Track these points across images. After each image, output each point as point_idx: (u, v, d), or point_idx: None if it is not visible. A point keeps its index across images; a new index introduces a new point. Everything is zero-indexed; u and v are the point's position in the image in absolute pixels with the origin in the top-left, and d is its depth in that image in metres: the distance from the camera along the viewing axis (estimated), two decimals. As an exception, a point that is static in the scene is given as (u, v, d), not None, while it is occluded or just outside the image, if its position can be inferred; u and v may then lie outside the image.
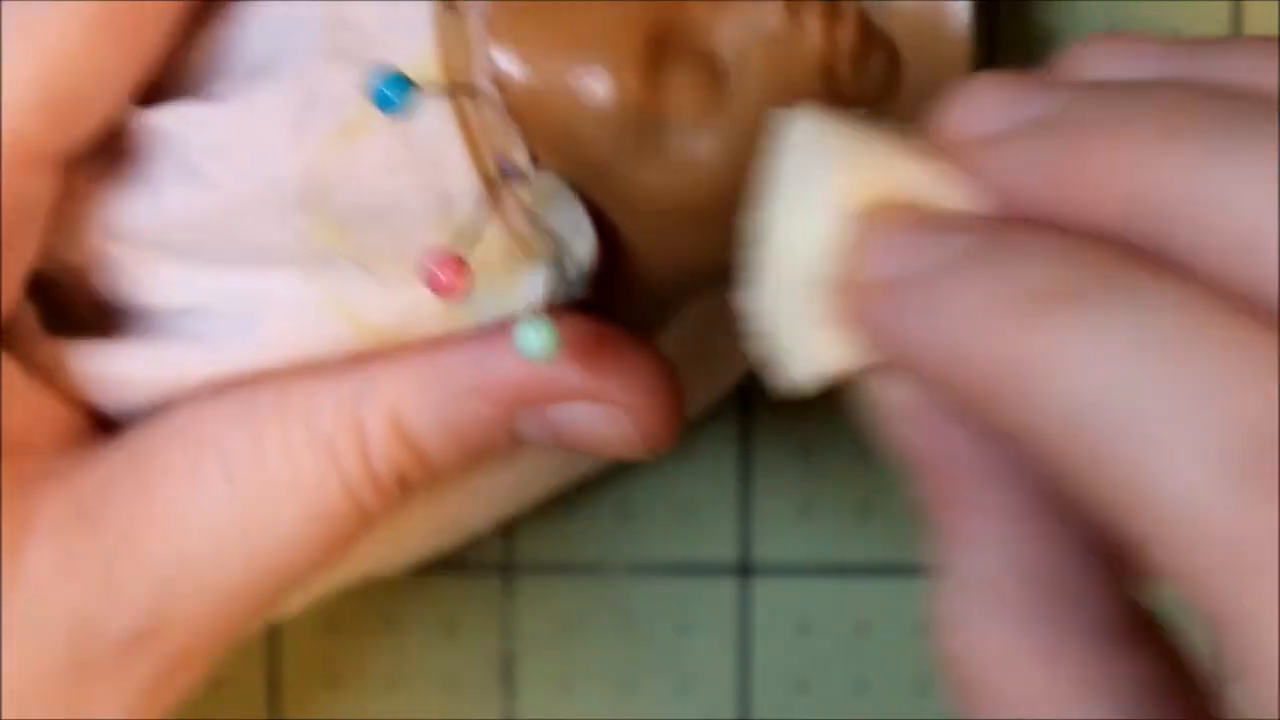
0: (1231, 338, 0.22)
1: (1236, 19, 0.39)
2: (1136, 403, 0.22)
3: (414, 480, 0.33)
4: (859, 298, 0.25)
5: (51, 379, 0.33)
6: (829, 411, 0.40)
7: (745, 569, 0.41)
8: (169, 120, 0.31)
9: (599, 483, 0.40)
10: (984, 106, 0.25)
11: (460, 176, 0.30)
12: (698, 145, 0.30)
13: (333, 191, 0.30)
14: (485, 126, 0.30)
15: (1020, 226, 0.24)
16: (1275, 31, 0.39)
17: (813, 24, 0.30)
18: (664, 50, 0.30)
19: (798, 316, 0.25)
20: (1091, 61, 0.26)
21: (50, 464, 0.33)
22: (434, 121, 0.30)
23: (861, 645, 0.41)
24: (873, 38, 0.30)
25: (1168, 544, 0.21)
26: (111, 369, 0.33)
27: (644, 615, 0.41)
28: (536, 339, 0.29)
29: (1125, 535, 0.22)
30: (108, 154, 0.32)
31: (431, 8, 0.30)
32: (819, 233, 0.25)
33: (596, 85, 0.30)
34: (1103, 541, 0.26)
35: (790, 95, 0.30)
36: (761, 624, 0.41)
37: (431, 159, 0.30)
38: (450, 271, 0.28)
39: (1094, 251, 0.23)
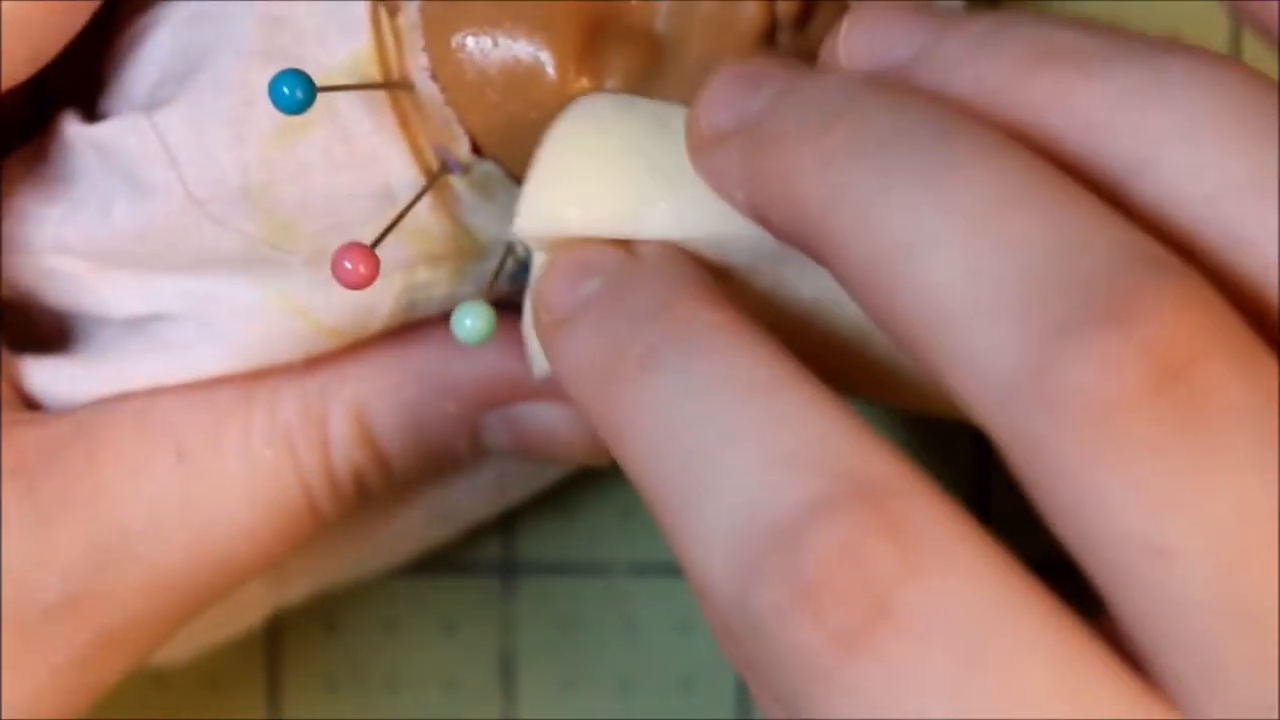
0: None
1: (1236, 19, 0.39)
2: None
3: (371, 484, 0.34)
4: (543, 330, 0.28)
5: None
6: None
7: None
8: (109, 132, 0.31)
9: (600, 483, 0.40)
10: (716, 101, 0.27)
11: (401, 171, 0.30)
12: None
13: (275, 191, 0.30)
14: (424, 120, 0.31)
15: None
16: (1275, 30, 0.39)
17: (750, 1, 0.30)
18: (601, 33, 0.30)
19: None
20: (847, 47, 0.27)
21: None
22: (372, 118, 0.30)
23: (861, 645, 0.41)
24: None
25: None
26: (77, 389, 0.33)
27: (644, 615, 0.41)
28: (472, 323, 0.29)
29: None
30: (50, 169, 0.32)
31: (367, 6, 0.30)
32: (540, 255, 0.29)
33: (534, 73, 0.30)
34: None
35: (714, 44, 0.30)
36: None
37: (371, 155, 0.30)
38: (356, 259, 0.28)
39: None
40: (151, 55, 0.31)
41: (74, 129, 0.31)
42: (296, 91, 0.27)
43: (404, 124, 0.30)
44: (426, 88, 0.30)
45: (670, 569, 0.41)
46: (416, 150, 0.31)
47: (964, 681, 0.22)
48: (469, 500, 0.38)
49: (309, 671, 0.41)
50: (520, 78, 0.30)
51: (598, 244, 0.28)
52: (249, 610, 0.38)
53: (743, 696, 0.41)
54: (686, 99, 0.28)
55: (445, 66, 0.30)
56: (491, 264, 0.32)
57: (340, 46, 0.30)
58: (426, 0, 0.30)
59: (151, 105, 0.31)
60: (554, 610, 0.41)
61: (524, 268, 0.31)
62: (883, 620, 0.22)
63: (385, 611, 0.41)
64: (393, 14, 0.30)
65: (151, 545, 0.32)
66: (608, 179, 0.28)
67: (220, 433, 0.32)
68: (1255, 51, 0.39)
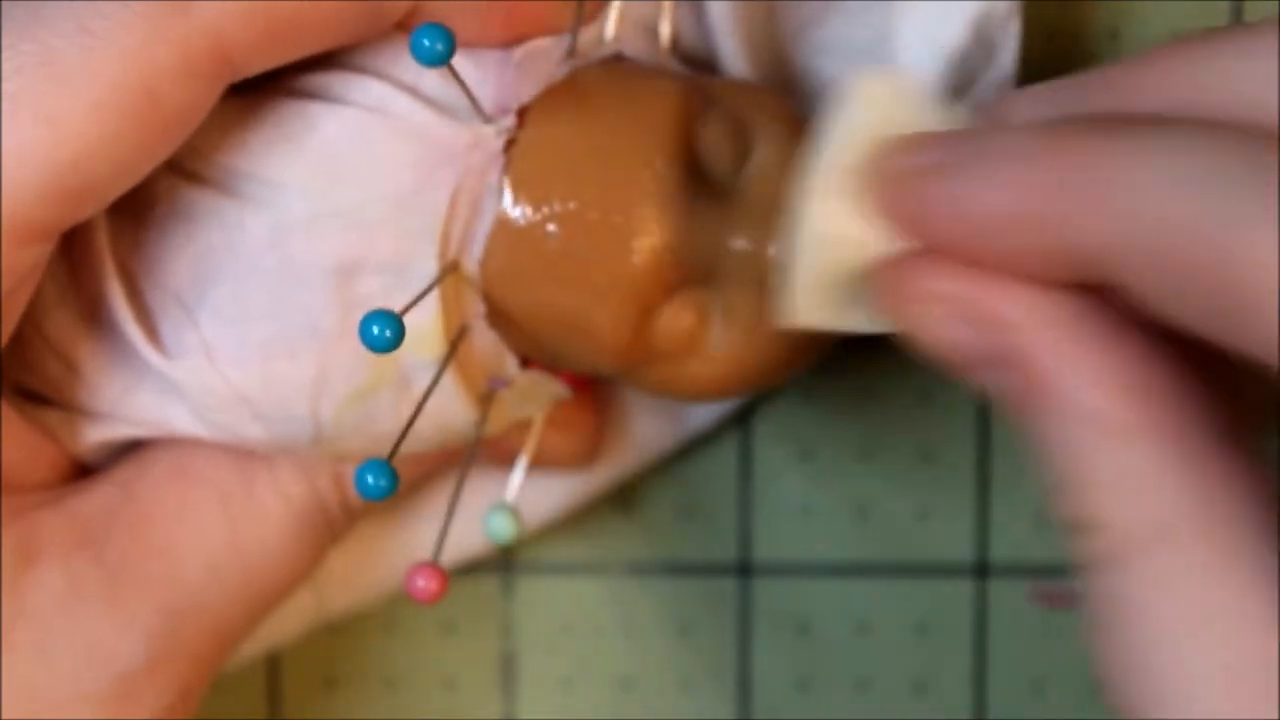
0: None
1: (1236, 19, 0.39)
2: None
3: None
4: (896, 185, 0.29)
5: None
6: (829, 412, 0.40)
7: (745, 569, 0.41)
8: (182, 373, 0.32)
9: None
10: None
11: (458, 411, 0.33)
12: (682, 369, 0.33)
13: (343, 441, 0.33)
14: (477, 356, 0.33)
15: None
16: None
17: None
18: (658, 289, 0.33)
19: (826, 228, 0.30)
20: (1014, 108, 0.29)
21: (45, 495, 0.33)
22: (432, 371, 0.32)
23: (861, 645, 0.41)
24: None
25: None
26: (111, 434, 0.34)
27: (644, 615, 0.41)
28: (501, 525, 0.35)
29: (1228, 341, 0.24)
30: (106, 356, 0.33)
31: (434, 273, 0.32)
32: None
33: (585, 331, 0.33)
34: (1197, 357, 0.27)
35: (759, 322, 0.33)
36: (761, 624, 0.41)
37: (433, 403, 0.32)
38: (427, 579, 0.31)
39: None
40: (211, 279, 0.33)
41: (144, 349, 0.33)
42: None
43: (460, 369, 0.33)
44: (483, 332, 0.33)
45: (670, 569, 0.41)
46: (472, 389, 0.33)
47: None
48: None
49: (309, 671, 0.41)
50: (573, 332, 0.33)
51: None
52: (295, 619, 0.39)
53: (743, 696, 0.41)
54: (736, 357, 0.33)
55: (502, 317, 0.33)
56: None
57: (411, 313, 0.31)
58: (487, 259, 0.32)
59: (220, 354, 0.32)
60: (554, 610, 0.41)
61: None
62: None
63: (385, 611, 0.41)
64: (457, 275, 0.32)
65: (214, 595, 0.33)
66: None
67: (251, 479, 0.34)
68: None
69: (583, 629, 0.41)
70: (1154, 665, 0.26)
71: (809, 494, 0.40)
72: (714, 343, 0.33)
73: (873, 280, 0.29)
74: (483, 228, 0.32)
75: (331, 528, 0.35)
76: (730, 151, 0.33)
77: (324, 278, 0.32)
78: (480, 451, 0.35)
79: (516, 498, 0.36)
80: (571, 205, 0.32)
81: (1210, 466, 0.26)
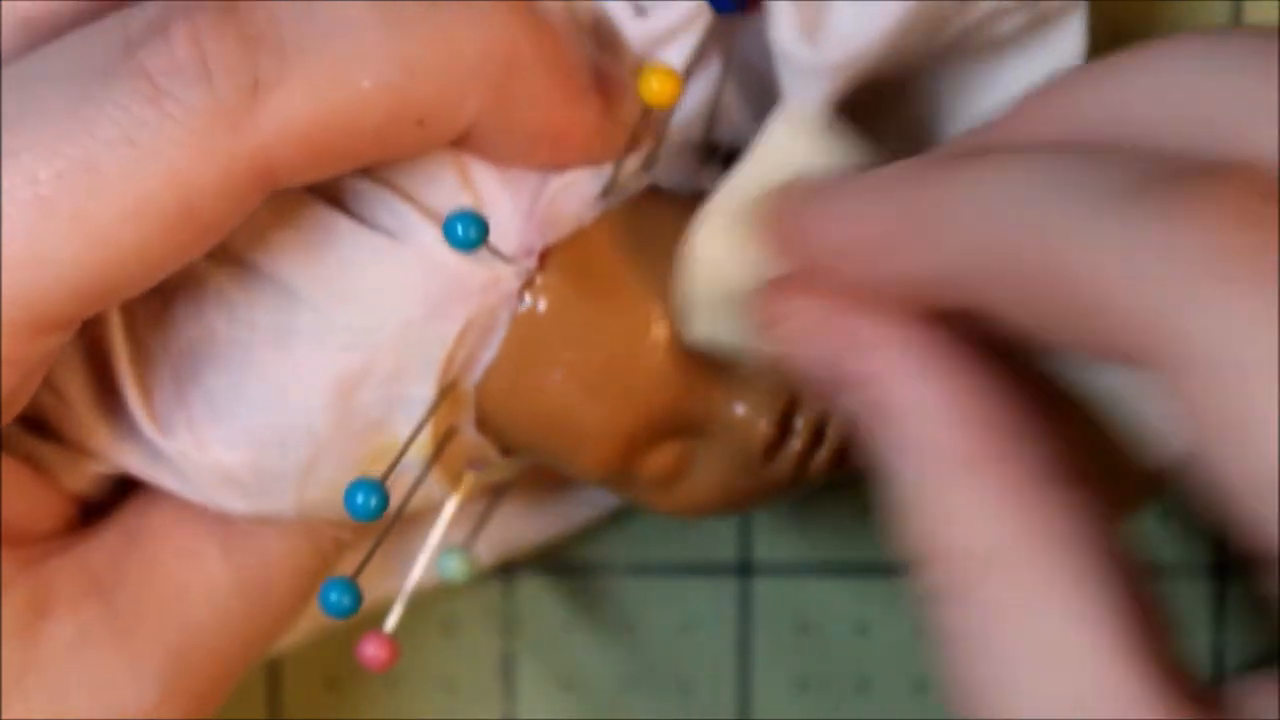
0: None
1: (1236, 19, 0.39)
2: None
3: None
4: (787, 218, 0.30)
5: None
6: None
7: (745, 569, 0.41)
8: (170, 448, 0.33)
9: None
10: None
11: (435, 491, 0.34)
12: (656, 495, 0.35)
13: (328, 510, 0.34)
14: (462, 450, 0.34)
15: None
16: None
17: (791, 452, 0.34)
18: (649, 437, 0.33)
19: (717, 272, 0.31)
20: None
21: (52, 545, 0.33)
22: (417, 468, 0.33)
23: (861, 645, 0.41)
24: (841, 453, 0.34)
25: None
26: (105, 469, 0.34)
27: (644, 615, 0.41)
28: (453, 566, 0.36)
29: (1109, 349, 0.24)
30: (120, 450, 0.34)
31: (430, 399, 0.33)
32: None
33: (568, 458, 0.34)
34: (1039, 391, 0.27)
35: (740, 476, 0.34)
36: (761, 624, 0.41)
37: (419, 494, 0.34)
38: (378, 647, 0.34)
39: None
40: (212, 350, 0.33)
41: (137, 412, 0.33)
42: (344, 599, 0.32)
43: (443, 459, 0.34)
44: (471, 434, 0.34)
45: (670, 569, 0.41)
46: (452, 473, 0.34)
47: None
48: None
49: (309, 671, 0.41)
50: (558, 455, 0.34)
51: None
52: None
53: (743, 696, 0.41)
54: (707, 490, 0.34)
55: (490, 425, 0.34)
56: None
57: (403, 430, 0.33)
58: (486, 382, 0.33)
59: (217, 448, 0.33)
60: (554, 610, 0.41)
61: None
62: None
63: (385, 612, 0.40)
64: (453, 388, 0.33)
65: (219, 634, 0.34)
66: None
67: (250, 521, 0.34)
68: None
69: (583, 629, 0.41)
70: (997, 698, 0.26)
71: (809, 494, 0.40)
72: (691, 484, 0.34)
73: (752, 302, 0.30)
74: (486, 356, 0.33)
75: (325, 560, 0.35)
76: None
77: (323, 385, 0.32)
78: None
79: (473, 537, 0.37)
80: (575, 357, 0.33)
81: (1046, 499, 0.26)
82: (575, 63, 0.31)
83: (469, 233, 0.30)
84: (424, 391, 0.32)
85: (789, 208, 0.30)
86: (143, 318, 0.33)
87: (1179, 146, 0.25)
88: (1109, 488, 0.30)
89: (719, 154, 0.35)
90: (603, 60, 0.32)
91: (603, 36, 0.33)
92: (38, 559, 0.33)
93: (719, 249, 0.31)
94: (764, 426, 0.33)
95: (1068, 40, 0.35)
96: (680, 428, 0.34)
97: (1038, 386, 0.28)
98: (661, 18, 0.33)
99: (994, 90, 0.35)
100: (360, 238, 0.32)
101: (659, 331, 0.33)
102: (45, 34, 0.31)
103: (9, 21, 0.31)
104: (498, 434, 0.34)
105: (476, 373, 0.33)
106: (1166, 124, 0.26)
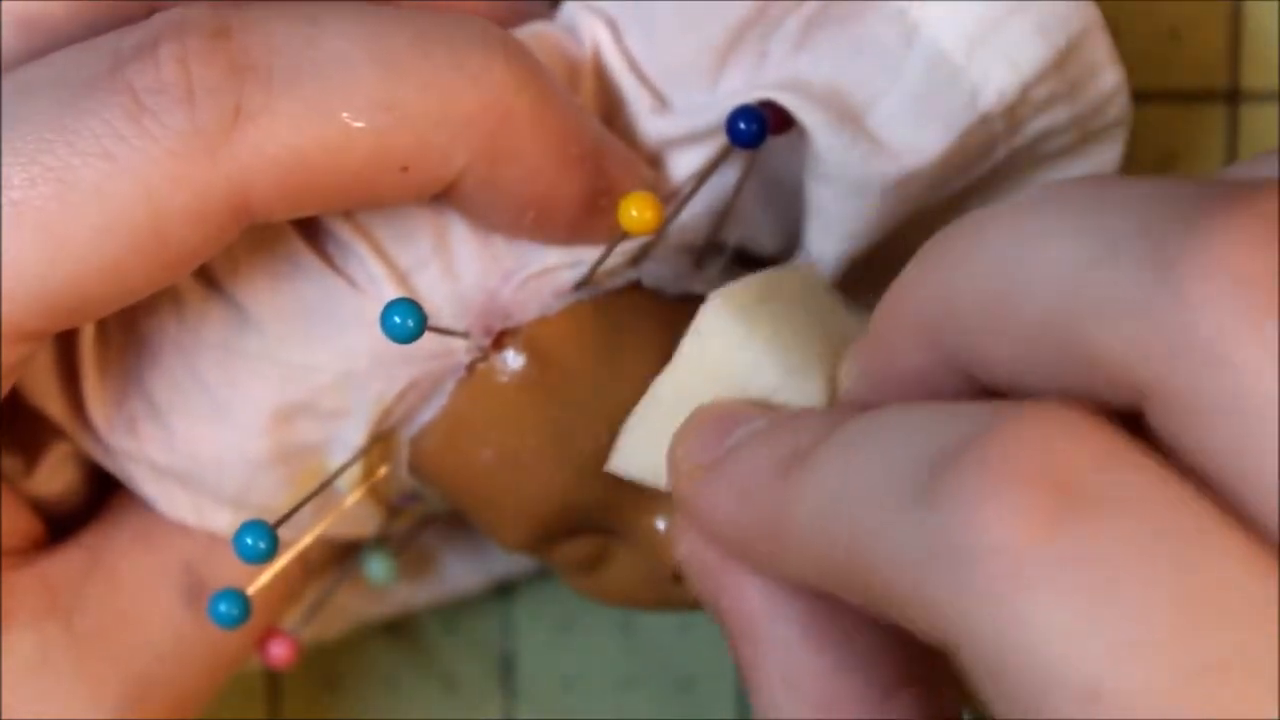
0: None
1: (1236, 19, 0.39)
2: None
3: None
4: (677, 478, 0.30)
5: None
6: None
7: (745, 569, 0.41)
8: (117, 447, 0.33)
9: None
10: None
11: (365, 519, 0.35)
12: (577, 579, 0.35)
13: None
14: (394, 483, 0.34)
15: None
16: (1275, 30, 0.39)
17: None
18: (566, 529, 0.34)
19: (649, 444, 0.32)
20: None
21: (16, 559, 0.33)
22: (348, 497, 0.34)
23: (861, 645, 0.41)
24: None
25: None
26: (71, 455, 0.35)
27: (644, 615, 0.41)
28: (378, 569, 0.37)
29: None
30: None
31: (360, 444, 0.33)
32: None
33: (492, 534, 0.34)
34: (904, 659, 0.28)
35: (649, 588, 0.34)
36: (761, 624, 0.41)
37: (350, 517, 0.34)
38: (279, 646, 0.34)
39: None
40: (156, 347, 0.33)
41: (92, 399, 0.33)
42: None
43: (374, 488, 0.34)
44: (403, 475, 0.34)
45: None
46: (382, 502, 0.35)
47: None
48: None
49: (309, 671, 0.41)
50: (480, 523, 0.34)
51: (743, 403, 0.31)
52: None
53: (743, 696, 0.41)
54: (622, 588, 0.34)
55: (423, 477, 0.34)
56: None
57: (338, 455, 0.33)
58: (420, 440, 0.33)
59: (139, 401, 0.33)
60: (554, 610, 0.41)
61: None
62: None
63: (385, 612, 0.41)
64: (387, 439, 0.33)
65: (179, 664, 0.33)
66: None
67: (212, 544, 0.34)
68: (1254, 48, 0.39)
69: (583, 629, 0.41)
70: None
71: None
72: (604, 579, 0.35)
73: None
74: (424, 416, 0.33)
75: (290, 589, 0.35)
76: None
77: (260, 412, 0.32)
78: None
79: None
80: (507, 440, 0.33)
81: None
82: (574, 131, 0.31)
83: (405, 322, 0.29)
84: (356, 436, 0.33)
85: (680, 465, 0.30)
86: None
87: (1028, 346, 0.24)
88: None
89: (724, 253, 0.34)
90: (609, 138, 0.32)
91: (617, 117, 0.33)
92: (7, 569, 0.32)
93: (648, 444, 0.31)
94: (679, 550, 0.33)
95: (1108, 151, 0.34)
96: (599, 527, 0.34)
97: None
98: (681, 123, 0.32)
99: None
100: (323, 280, 0.32)
101: (594, 436, 0.32)
102: (41, 36, 0.31)
103: (7, 18, 0.31)
104: (427, 482, 0.34)
105: (412, 428, 0.33)
106: (1017, 323, 0.25)
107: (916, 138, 0.31)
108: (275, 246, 0.32)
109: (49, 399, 0.33)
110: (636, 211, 0.30)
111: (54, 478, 0.34)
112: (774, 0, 0.32)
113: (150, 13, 0.32)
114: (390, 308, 0.29)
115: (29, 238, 0.28)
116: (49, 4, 0.31)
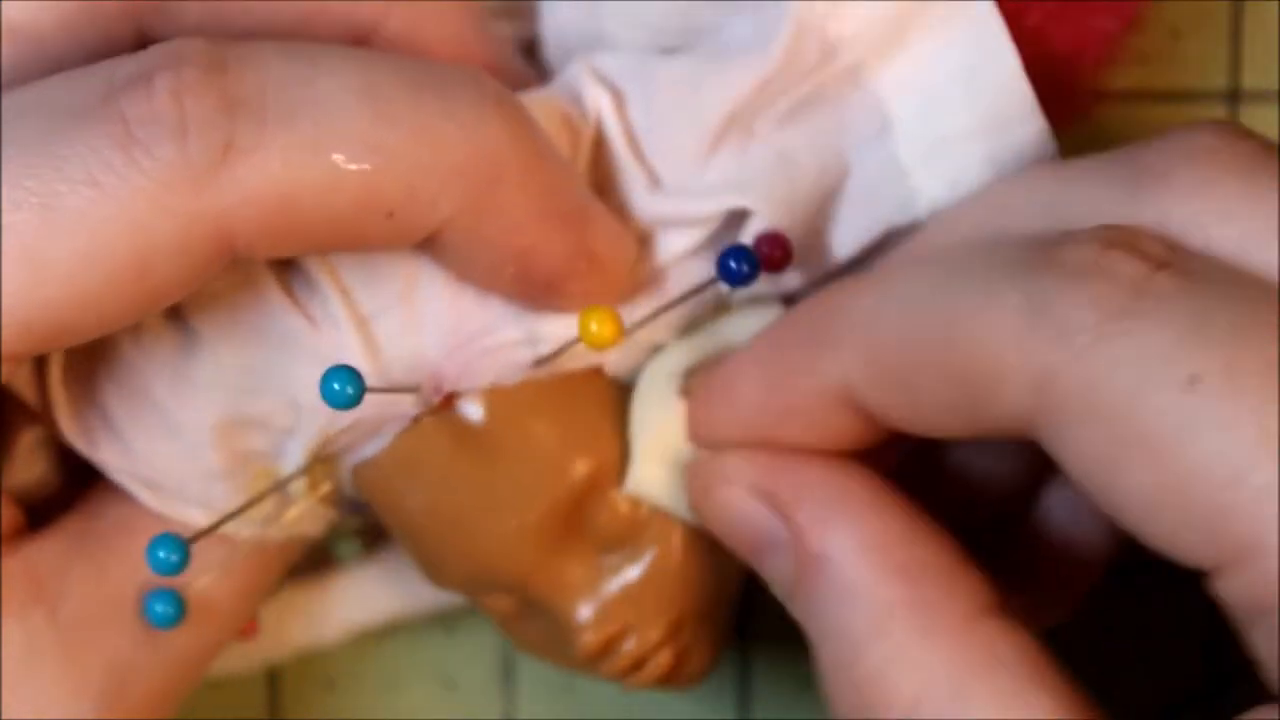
0: None
1: (1236, 19, 0.39)
2: None
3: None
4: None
5: None
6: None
7: (744, 568, 0.41)
8: (86, 449, 0.33)
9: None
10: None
11: (314, 523, 0.35)
12: (500, 625, 0.35)
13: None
14: (338, 494, 0.34)
15: None
16: (1275, 30, 0.39)
17: (606, 668, 0.34)
18: (483, 588, 0.34)
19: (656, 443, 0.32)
20: None
21: (3, 545, 0.33)
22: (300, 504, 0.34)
23: (861, 645, 0.41)
24: (662, 680, 0.35)
25: None
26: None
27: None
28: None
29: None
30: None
31: (299, 463, 0.33)
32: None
33: (420, 569, 0.34)
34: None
35: (559, 656, 0.35)
36: (761, 624, 0.41)
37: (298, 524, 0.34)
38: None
39: None
40: (110, 358, 0.33)
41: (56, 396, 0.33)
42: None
43: (324, 502, 0.34)
44: (348, 487, 0.34)
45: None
46: (334, 510, 0.34)
47: None
48: None
49: (309, 671, 0.41)
50: (408, 554, 0.34)
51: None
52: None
53: (743, 696, 0.41)
54: (530, 647, 0.35)
55: (364, 498, 0.34)
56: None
57: (288, 464, 0.33)
58: (362, 471, 0.33)
59: (93, 410, 0.33)
60: (554, 610, 0.41)
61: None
62: None
63: (385, 612, 0.41)
64: (328, 462, 0.33)
65: (161, 650, 0.33)
66: None
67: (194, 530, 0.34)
68: (1254, 47, 0.39)
69: (582, 629, 0.41)
70: None
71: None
72: (521, 634, 0.35)
73: (686, 473, 0.31)
74: (366, 451, 0.33)
75: (266, 584, 0.35)
76: (621, 532, 0.33)
77: (209, 429, 0.32)
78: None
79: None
80: (437, 496, 0.33)
81: (970, 637, 0.27)
82: (561, 190, 0.31)
83: (344, 389, 0.29)
84: (299, 455, 0.33)
85: (695, 386, 0.30)
86: None
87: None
88: (1045, 588, 0.31)
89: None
90: (596, 204, 0.32)
91: (612, 190, 0.33)
92: None
93: (659, 413, 0.31)
94: (589, 638, 0.34)
95: None
96: (517, 592, 0.34)
97: (967, 502, 0.30)
98: (671, 205, 0.32)
99: None
100: (282, 313, 0.32)
101: (524, 511, 0.32)
102: (27, 44, 0.31)
103: None
104: (368, 503, 0.34)
105: (355, 457, 0.33)
106: (1037, 217, 0.27)
107: (848, 230, 0.32)
108: (241, 274, 0.32)
109: (26, 389, 0.33)
110: (596, 326, 0.30)
111: (29, 465, 0.34)
112: (778, 75, 0.32)
113: (137, 26, 0.32)
114: (330, 374, 0.29)
115: (11, 261, 0.28)
116: (36, 14, 0.31)
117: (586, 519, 0.33)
